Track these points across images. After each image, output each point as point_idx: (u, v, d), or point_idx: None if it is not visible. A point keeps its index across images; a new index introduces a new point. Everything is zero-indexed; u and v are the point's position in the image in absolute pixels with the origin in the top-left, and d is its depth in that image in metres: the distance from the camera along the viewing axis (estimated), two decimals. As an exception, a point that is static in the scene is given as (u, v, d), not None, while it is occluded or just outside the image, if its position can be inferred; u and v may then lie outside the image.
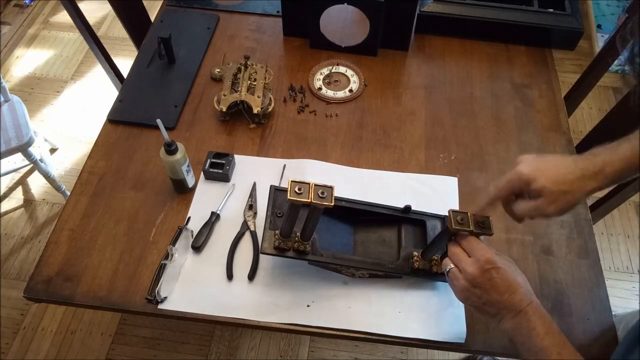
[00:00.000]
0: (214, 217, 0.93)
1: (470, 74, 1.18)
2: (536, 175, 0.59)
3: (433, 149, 1.05)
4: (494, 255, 0.62)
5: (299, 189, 0.66)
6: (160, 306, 0.84)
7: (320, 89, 1.15)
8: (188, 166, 0.92)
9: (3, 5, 2.69)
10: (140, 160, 1.03)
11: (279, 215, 0.84)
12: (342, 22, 1.17)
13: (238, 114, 1.09)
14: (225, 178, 0.98)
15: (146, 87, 1.15)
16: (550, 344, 0.56)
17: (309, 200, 0.66)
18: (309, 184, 0.67)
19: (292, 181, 0.66)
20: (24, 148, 1.64)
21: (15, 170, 2.01)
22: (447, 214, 0.70)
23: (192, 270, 0.88)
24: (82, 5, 1.50)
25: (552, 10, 1.22)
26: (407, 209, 0.87)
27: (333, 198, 0.67)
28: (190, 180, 0.96)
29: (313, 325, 0.82)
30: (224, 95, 1.05)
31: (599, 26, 2.45)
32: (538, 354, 0.57)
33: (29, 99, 2.28)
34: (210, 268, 0.88)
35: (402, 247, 0.85)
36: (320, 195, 0.66)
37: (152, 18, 1.41)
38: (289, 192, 0.65)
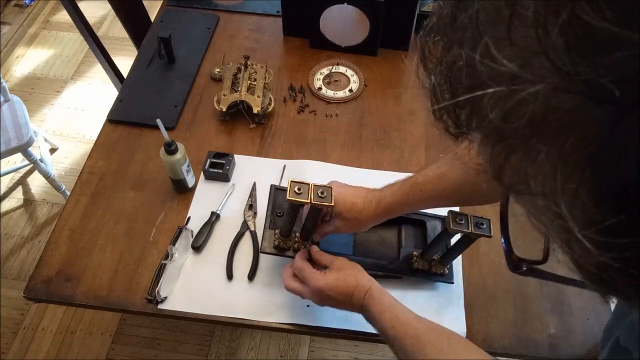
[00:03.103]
0: (214, 217, 0.93)
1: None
2: (337, 201, 0.70)
3: (433, 149, 1.05)
4: (320, 282, 0.70)
5: (299, 189, 0.66)
6: (160, 306, 0.84)
7: (320, 88, 1.15)
8: (188, 166, 0.92)
9: (3, 5, 2.69)
10: (140, 160, 1.03)
11: (279, 214, 0.84)
12: (342, 22, 1.17)
13: (238, 114, 1.09)
14: (225, 178, 0.98)
15: (146, 87, 1.15)
16: (386, 322, 0.64)
17: (309, 201, 0.66)
18: (309, 184, 0.67)
19: (291, 181, 0.66)
20: (24, 148, 1.64)
21: (15, 170, 2.01)
22: (446, 214, 0.70)
23: (192, 270, 0.88)
24: (82, 5, 1.50)
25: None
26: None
27: (333, 198, 0.67)
28: (190, 180, 0.96)
29: (313, 325, 0.82)
30: (224, 95, 1.05)
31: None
32: (383, 334, 0.65)
33: (29, 99, 2.28)
34: (210, 268, 0.88)
35: (402, 248, 0.85)
36: (320, 195, 0.67)
37: (152, 18, 1.41)
38: (288, 192, 0.65)
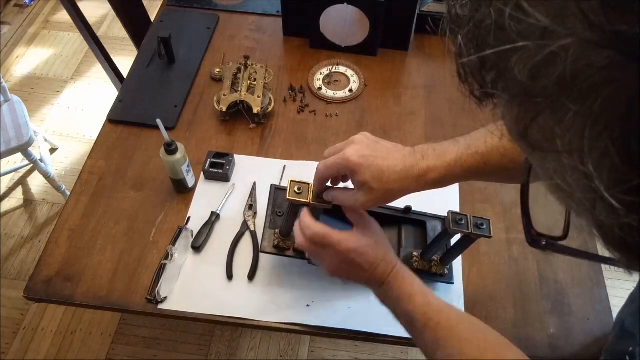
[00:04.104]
0: (214, 217, 0.93)
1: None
2: (362, 167, 0.58)
3: (433, 149, 1.05)
4: (351, 243, 0.61)
5: (299, 189, 0.66)
6: (160, 306, 0.84)
7: (320, 88, 1.15)
8: (188, 166, 0.92)
9: (3, 5, 2.69)
10: (140, 160, 1.03)
11: (279, 214, 0.84)
12: (342, 22, 1.17)
13: (238, 114, 1.09)
14: (225, 178, 0.98)
15: (146, 87, 1.15)
16: (416, 306, 0.58)
17: (308, 201, 0.65)
18: (309, 184, 0.67)
19: (291, 181, 0.66)
20: (24, 148, 1.64)
21: (15, 170, 2.01)
22: (446, 214, 0.70)
23: (192, 270, 0.88)
24: (82, 5, 1.50)
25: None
26: (408, 209, 0.87)
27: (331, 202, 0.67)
28: (190, 180, 0.96)
29: (313, 325, 0.82)
30: (224, 95, 1.05)
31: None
32: (406, 318, 0.59)
33: (29, 99, 2.28)
34: (210, 268, 0.88)
35: (402, 248, 0.85)
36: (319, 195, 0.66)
37: (152, 18, 1.41)
38: (288, 192, 0.65)
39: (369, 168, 0.58)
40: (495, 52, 0.22)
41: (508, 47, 0.21)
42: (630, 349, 0.49)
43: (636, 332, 0.49)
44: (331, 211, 0.73)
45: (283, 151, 1.05)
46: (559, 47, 0.19)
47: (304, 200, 0.65)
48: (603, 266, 0.90)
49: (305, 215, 0.65)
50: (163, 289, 0.84)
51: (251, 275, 0.87)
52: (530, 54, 0.20)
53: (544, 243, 0.30)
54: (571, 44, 0.18)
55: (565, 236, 0.31)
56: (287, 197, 0.65)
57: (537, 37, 0.19)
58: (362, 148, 0.59)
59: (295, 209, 0.71)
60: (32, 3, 2.73)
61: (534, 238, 0.30)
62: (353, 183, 0.61)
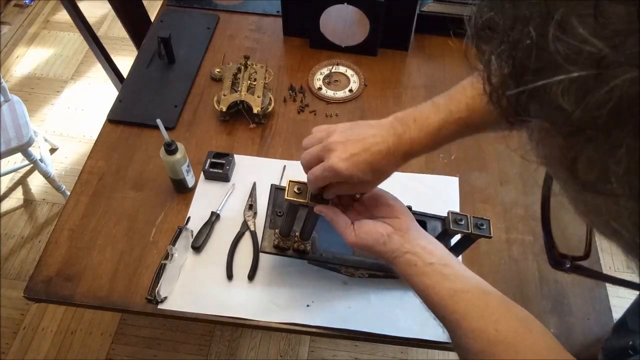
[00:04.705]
0: (214, 217, 0.93)
1: (470, 74, 1.18)
2: (353, 171, 0.57)
3: (433, 149, 1.05)
4: (370, 241, 0.60)
5: (298, 189, 0.66)
6: (160, 306, 0.84)
7: (320, 88, 1.15)
8: (188, 166, 0.92)
9: (3, 5, 2.69)
10: (140, 160, 1.03)
11: (279, 214, 0.84)
12: (342, 22, 1.17)
13: (238, 114, 1.09)
14: (225, 178, 0.98)
15: (146, 87, 1.15)
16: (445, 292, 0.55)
17: (307, 201, 0.65)
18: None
19: (290, 181, 0.66)
20: (24, 148, 1.64)
21: (15, 170, 2.01)
22: (446, 215, 0.70)
23: (192, 270, 0.88)
24: (82, 5, 1.50)
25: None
26: (408, 208, 0.86)
27: (331, 198, 0.67)
28: (190, 180, 0.96)
29: (313, 325, 0.82)
30: (224, 95, 1.05)
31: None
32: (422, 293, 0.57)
33: (29, 99, 2.28)
34: (210, 268, 0.88)
35: (402, 247, 0.85)
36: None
37: (152, 18, 1.41)
38: (287, 192, 0.65)
39: (358, 168, 0.57)
40: (540, 79, 0.19)
41: (560, 77, 0.18)
42: (630, 342, 0.49)
43: (637, 330, 0.49)
44: None
45: (283, 151, 1.05)
46: (622, 79, 0.16)
47: (302, 201, 0.65)
48: (603, 266, 0.90)
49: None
50: (163, 289, 0.84)
51: (251, 275, 0.87)
52: (584, 84, 0.18)
53: (568, 266, 0.27)
54: (634, 76, 0.16)
55: (587, 255, 0.28)
56: (286, 197, 0.65)
57: (592, 64, 0.17)
58: (342, 150, 0.57)
59: (294, 209, 0.71)
60: (32, 3, 2.73)
61: (557, 260, 0.27)
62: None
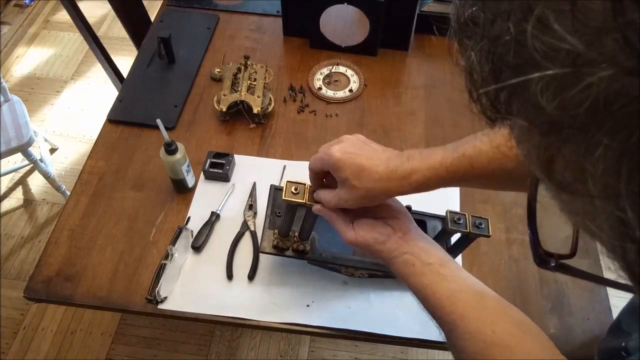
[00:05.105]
0: (214, 217, 0.93)
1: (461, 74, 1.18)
2: (343, 163, 0.57)
3: (433, 149, 1.05)
4: (370, 239, 0.60)
5: (295, 189, 0.66)
6: (160, 306, 0.84)
7: (320, 88, 1.15)
8: (188, 166, 0.92)
9: (3, 5, 2.69)
10: (140, 160, 1.03)
11: (278, 214, 0.84)
12: (342, 22, 1.17)
13: (238, 114, 1.09)
14: (225, 178, 0.98)
15: (146, 87, 1.15)
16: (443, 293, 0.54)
17: (304, 201, 0.65)
18: (305, 184, 0.67)
19: (288, 182, 0.66)
20: (24, 148, 1.64)
21: (15, 170, 2.01)
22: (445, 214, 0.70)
23: (192, 270, 0.88)
24: (82, 5, 1.50)
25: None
26: (407, 208, 0.86)
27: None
28: (190, 180, 0.96)
29: (313, 325, 0.82)
30: (224, 95, 1.05)
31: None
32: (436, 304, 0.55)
33: (29, 99, 2.28)
34: (210, 268, 0.88)
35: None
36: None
37: (152, 18, 1.41)
38: (284, 193, 0.65)
39: (350, 165, 0.57)
40: (517, 76, 0.19)
41: (536, 75, 0.18)
42: (623, 344, 0.49)
43: (631, 332, 0.49)
44: None
45: (283, 151, 1.05)
46: (597, 77, 0.16)
47: (300, 201, 0.65)
48: (603, 267, 0.90)
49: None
50: (163, 289, 0.84)
51: (251, 275, 0.87)
52: (558, 79, 0.17)
53: (553, 264, 0.28)
54: (610, 74, 0.16)
55: (573, 254, 0.29)
56: (283, 198, 0.65)
57: (568, 62, 0.17)
58: (348, 146, 0.59)
59: (293, 209, 0.71)
60: (32, 3, 2.73)
61: (542, 258, 0.27)
62: (336, 180, 0.60)
